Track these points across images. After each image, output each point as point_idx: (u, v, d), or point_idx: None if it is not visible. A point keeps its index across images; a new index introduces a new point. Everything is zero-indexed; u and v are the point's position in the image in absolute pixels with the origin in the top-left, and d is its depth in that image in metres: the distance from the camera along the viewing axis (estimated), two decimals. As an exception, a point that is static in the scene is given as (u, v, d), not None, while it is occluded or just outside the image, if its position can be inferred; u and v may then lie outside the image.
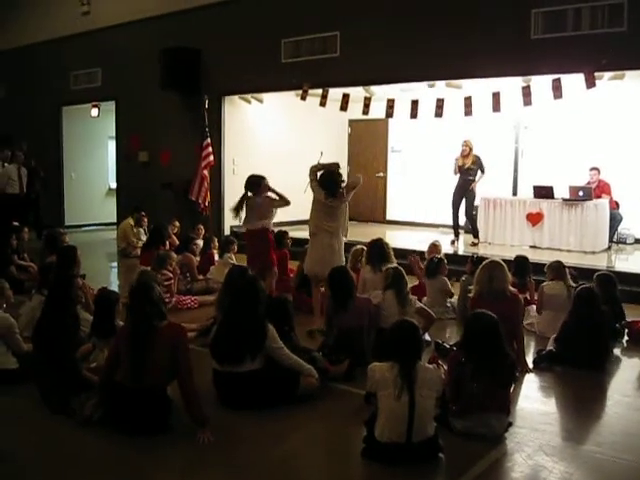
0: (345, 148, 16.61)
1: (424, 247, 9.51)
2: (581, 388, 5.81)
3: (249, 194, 8.34)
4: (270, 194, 8.35)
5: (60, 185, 17.24)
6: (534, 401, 5.49)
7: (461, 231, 12.65)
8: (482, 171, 11.99)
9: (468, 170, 11.98)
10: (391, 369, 4.27)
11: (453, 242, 12.28)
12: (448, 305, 8.21)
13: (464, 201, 12.22)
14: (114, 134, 16.38)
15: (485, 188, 12.33)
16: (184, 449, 4.43)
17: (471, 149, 12.01)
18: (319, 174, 7.71)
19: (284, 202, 8.30)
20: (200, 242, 10.55)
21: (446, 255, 8.87)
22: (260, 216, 8.23)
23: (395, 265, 6.90)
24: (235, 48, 13.43)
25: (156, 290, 4.89)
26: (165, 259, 8.35)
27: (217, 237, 11.30)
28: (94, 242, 14.94)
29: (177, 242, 11.10)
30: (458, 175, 12.16)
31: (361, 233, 11.07)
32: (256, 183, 8.36)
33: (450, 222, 12.50)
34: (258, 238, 8.20)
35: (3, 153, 15.04)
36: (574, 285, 7.21)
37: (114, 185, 17.04)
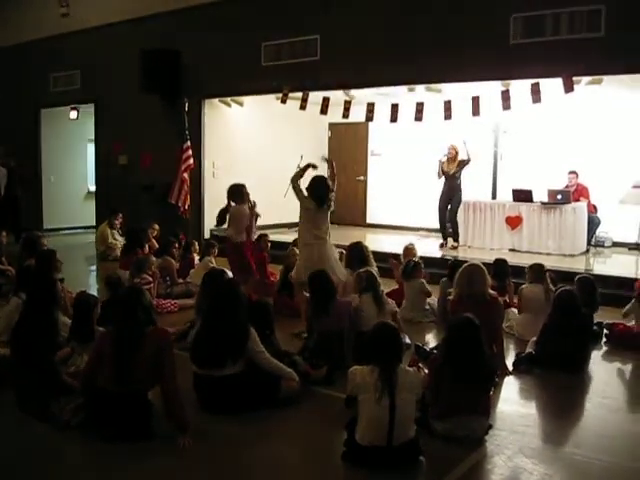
0: (325, 151, 16.59)
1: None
2: (560, 390, 5.85)
3: (232, 204, 8.43)
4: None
5: (39, 188, 17.10)
6: (514, 403, 5.51)
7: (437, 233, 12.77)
8: (467, 162, 12.03)
9: (454, 175, 12.04)
10: (371, 372, 4.27)
11: (442, 245, 12.33)
12: (427, 308, 8.23)
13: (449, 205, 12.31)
14: (93, 137, 16.30)
15: (464, 192, 12.38)
16: (164, 454, 4.40)
17: (457, 153, 12.08)
18: (303, 186, 7.75)
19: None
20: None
21: (431, 259, 8.91)
22: (242, 229, 8.34)
23: (366, 268, 6.95)
24: (215, 51, 13.42)
25: (147, 295, 4.87)
26: (144, 263, 8.31)
27: (197, 240, 11.26)
28: (73, 245, 14.83)
29: (157, 245, 11.06)
30: (443, 180, 12.24)
31: (341, 236, 11.08)
32: (238, 192, 8.47)
33: (431, 225, 12.55)
34: (240, 251, 8.32)
35: None
36: (553, 288, 7.26)
37: (93, 188, 16.95)
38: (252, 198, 8.66)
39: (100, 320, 5.87)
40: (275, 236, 10.24)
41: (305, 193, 7.77)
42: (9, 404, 5.04)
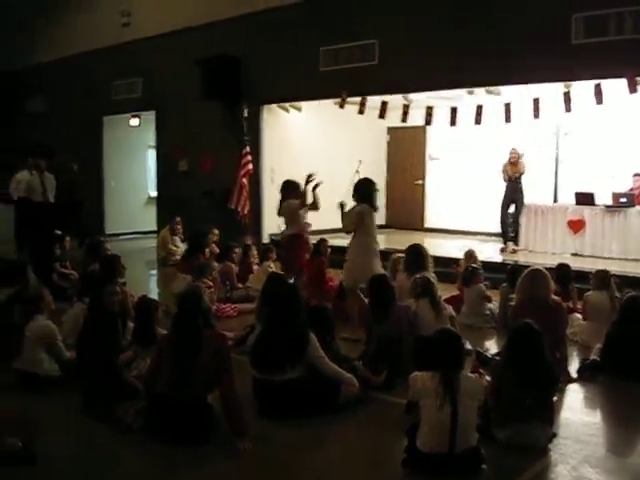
0: (384, 156, 16.59)
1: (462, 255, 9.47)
2: (625, 399, 5.70)
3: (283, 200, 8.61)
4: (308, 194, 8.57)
5: (101, 194, 17.46)
6: (578, 412, 5.39)
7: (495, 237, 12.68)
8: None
9: (517, 179, 12.06)
10: (432, 378, 4.24)
11: (503, 249, 12.24)
12: (487, 313, 8.15)
13: (512, 208, 12.29)
14: (154, 143, 16.57)
15: (526, 195, 12.24)
16: (223, 458, 4.43)
17: (519, 157, 12.03)
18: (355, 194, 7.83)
19: (314, 207, 8.55)
20: (239, 250, 10.59)
21: (491, 264, 8.82)
22: (287, 222, 8.46)
23: (422, 274, 6.89)
24: (274, 57, 13.51)
25: (205, 300, 4.93)
26: (206, 268, 8.39)
27: (256, 245, 11.34)
28: (134, 250, 15.07)
29: (217, 250, 11.16)
30: (505, 183, 12.28)
31: (398, 241, 11.04)
32: (287, 187, 8.63)
33: (490, 229, 12.46)
34: (286, 245, 8.40)
35: (27, 162, 14.84)
36: (619, 295, 7.11)
37: (154, 194, 17.22)
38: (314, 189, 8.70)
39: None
40: (335, 241, 10.23)
41: (348, 207, 7.88)
42: (75, 406, 5.14)
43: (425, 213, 16.23)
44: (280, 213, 8.77)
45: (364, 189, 7.88)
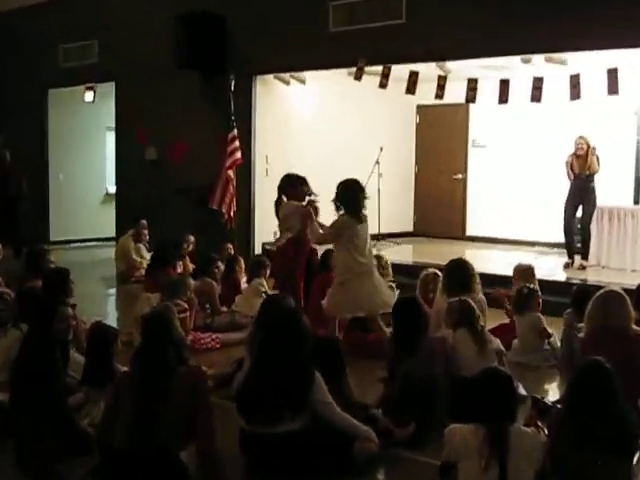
0: (412, 142, 16.62)
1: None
2: None
3: (283, 198, 8.65)
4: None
5: (45, 189, 17.51)
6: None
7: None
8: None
9: (588, 177, 12.01)
10: (475, 433, 4.23)
11: (568, 265, 12.25)
12: (547, 348, 8.12)
13: (579, 213, 12.32)
14: (114, 124, 16.61)
15: (598, 195, 12.24)
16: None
17: (589, 147, 11.95)
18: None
19: (313, 236, 8.54)
20: (221, 264, 10.61)
21: (552, 284, 8.79)
22: (286, 228, 8.46)
23: (460, 298, 6.90)
24: (270, 14, 13.56)
25: (177, 327, 4.93)
26: (179, 286, 8.39)
27: (245, 257, 11.35)
28: (86, 263, 15.10)
29: (192, 264, 11.19)
30: (571, 180, 12.25)
31: (431, 252, 11.05)
32: (288, 183, 8.66)
33: (551, 239, 12.43)
34: (281, 256, 8.44)
35: None
36: None
37: (113, 189, 17.27)
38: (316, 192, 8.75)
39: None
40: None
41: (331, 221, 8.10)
42: (8, 460, 5.09)
43: (466, 217, 16.30)
44: (279, 216, 8.82)
45: (349, 193, 7.95)
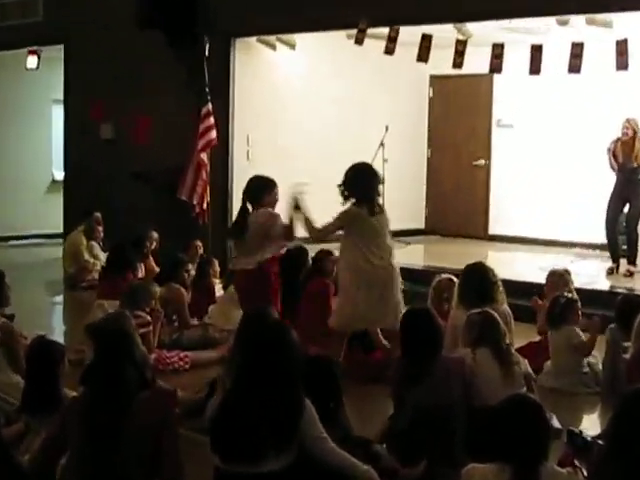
0: (424, 121, 16.64)
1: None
2: None
3: (248, 207, 8.47)
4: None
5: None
6: None
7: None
8: None
9: (636, 167, 12.02)
10: (499, 474, 4.23)
11: (612, 271, 12.30)
12: (586, 371, 8.13)
13: (626, 209, 12.34)
14: (61, 96, 16.57)
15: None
16: None
17: (636, 132, 11.93)
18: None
19: (310, 231, 8.40)
20: (192, 267, 10.59)
21: (593, 293, 8.79)
22: (254, 245, 8.28)
23: (482, 309, 6.90)
24: (253, -38, 13.55)
25: (138, 342, 4.91)
26: (141, 293, 8.39)
27: (220, 259, 11.34)
28: (27, 264, 15.07)
29: (155, 267, 11.18)
30: (617, 171, 12.25)
31: (447, 255, 11.06)
32: (256, 188, 8.49)
33: (592, 240, 12.43)
34: (251, 282, 8.32)
35: None
36: None
37: (61, 175, 17.21)
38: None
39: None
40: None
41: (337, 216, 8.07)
42: None
43: (489, 211, 16.36)
44: (237, 234, 8.62)
45: (359, 178, 7.94)
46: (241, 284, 8.57)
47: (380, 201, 8.08)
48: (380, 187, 8.09)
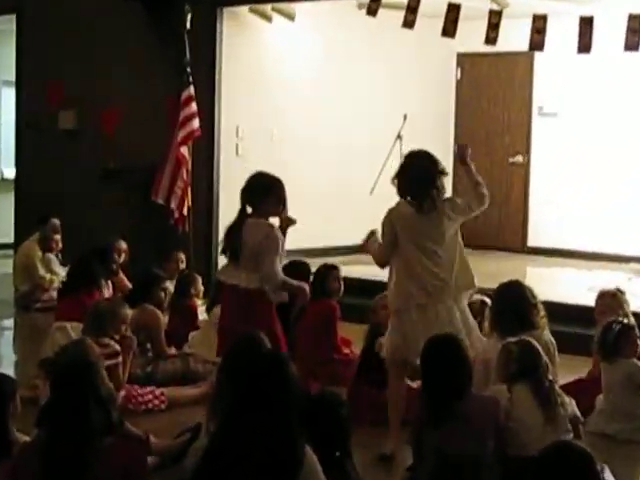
0: (450, 109, 16.64)
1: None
2: None
3: (248, 211, 8.21)
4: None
5: None
6: None
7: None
8: None
9: None
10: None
11: None
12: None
13: None
14: (13, 77, 16.59)
15: None
16: None
17: None
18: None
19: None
20: (171, 284, 10.60)
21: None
22: (255, 261, 8.07)
23: (522, 338, 6.89)
24: None
25: (105, 377, 4.92)
26: (107, 317, 8.39)
27: (204, 275, 11.35)
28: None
29: (128, 283, 11.17)
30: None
31: (481, 272, 11.01)
32: (261, 189, 8.22)
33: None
34: (247, 305, 8.12)
35: None
36: None
37: (11, 173, 17.24)
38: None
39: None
40: (350, 268, 10.26)
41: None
42: None
43: (528, 219, 16.37)
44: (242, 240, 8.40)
45: (418, 171, 7.82)
46: (235, 301, 8.36)
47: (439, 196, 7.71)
48: (439, 178, 7.71)
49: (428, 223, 7.44)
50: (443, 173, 7.73)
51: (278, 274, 7.87)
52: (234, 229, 8.05)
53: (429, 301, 7.38)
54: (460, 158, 8.00)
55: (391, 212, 7.58)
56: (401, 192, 7.56)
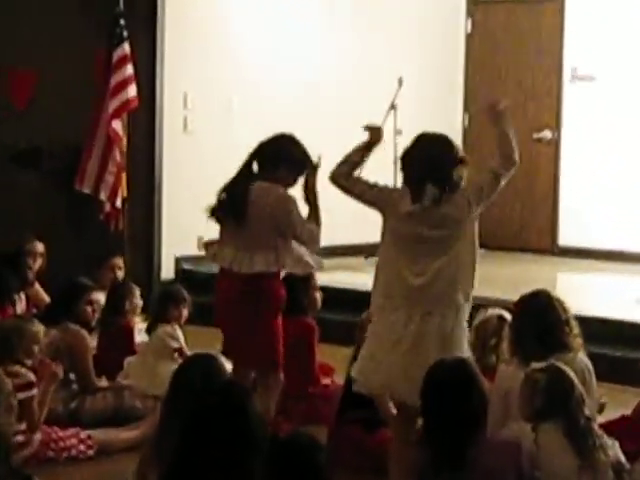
0: (458, 70, 16.68)
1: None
2: None
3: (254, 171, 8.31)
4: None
5: None
6: None
7: None
8: None
9: None
10: None
11: None
12: None
13: None
14: None
15: None
16: None
17: None
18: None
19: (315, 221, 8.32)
20: (102, 297, 10.60)
21: None
22: (261, 242, 8.17)
23: (550, 363, 6.90)
24: None
25: (11, 419, 4.93)
26: (16, 339, 8.39)
27: (143, 286, 11.34)
28: None
29: (45, 296, 11.17)
30: None
31: (500, 279, 11.10)
32: (273, 155, 8.34)
33: None
34: (249, 296, 8.19)
35: None
36: None
37: None
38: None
39: None
40: (331, 275, 10.30)
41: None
42: None
43: (558, 211, 16.45)
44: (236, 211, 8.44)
45: (410, 153, 7.86)
46: (228, 293, 8.29)
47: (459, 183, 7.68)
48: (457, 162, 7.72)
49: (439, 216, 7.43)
50: (457, 154, 7.69)
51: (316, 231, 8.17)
52: (237, 189, 8.21)
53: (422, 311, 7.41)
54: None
55: (383, 190, 7.63)
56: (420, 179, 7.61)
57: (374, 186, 7.59)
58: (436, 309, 7.32)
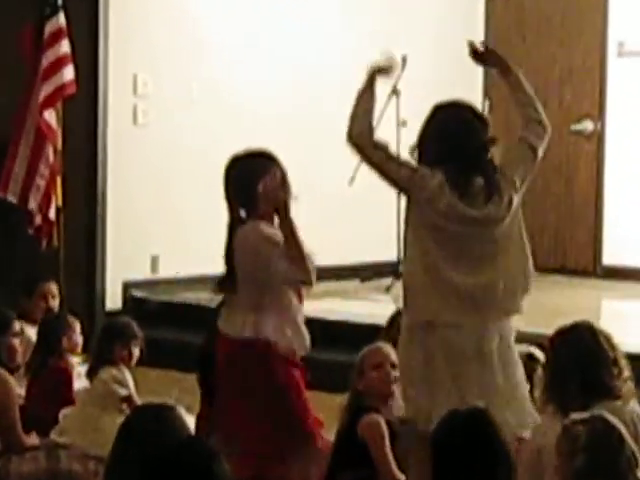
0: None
1: None
2: None
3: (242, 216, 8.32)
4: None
5: None
6: None
7: None
8: None
9: None
10: None
11: None
12: None
13: None
14: None
15: None
16: None
17: None
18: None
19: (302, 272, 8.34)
20: (32, 333, 10.62)
21: None
22: (246, 293, 8.20)
23: (593, 413, 6.90)
24: None
25: None
26: None
27: (83, 318, 11.35)
28: None
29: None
30: None
31: (531, 307, 11.13)
32: (246, 180, 8.32)
33: None
34: (246, 363, 8.25)
35: None
36: None
37: None
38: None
39: None
40: (317, 303, 10.36)
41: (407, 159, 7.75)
42: None
43: (603, 223, 16.47)
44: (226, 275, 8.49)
45: (437, 127, 7.87)
46: (224, 360, 8.51)
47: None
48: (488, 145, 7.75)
49: (485, 216, 7.73)
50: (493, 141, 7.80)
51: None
52: (226, 247, 8.35)
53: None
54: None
55: (417, 170, 7.68)
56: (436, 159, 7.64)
57: (402, 163, 7.68)
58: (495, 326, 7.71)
